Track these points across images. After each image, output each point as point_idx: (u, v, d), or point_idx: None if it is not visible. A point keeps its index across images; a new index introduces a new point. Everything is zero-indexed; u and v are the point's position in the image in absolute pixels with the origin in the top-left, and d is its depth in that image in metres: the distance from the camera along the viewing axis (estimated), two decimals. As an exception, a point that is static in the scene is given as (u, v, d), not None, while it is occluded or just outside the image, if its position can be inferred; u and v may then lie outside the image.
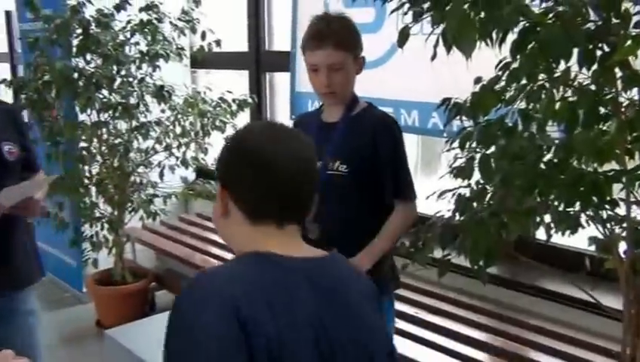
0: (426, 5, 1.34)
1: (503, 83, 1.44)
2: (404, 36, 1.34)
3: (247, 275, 1.01)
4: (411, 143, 3.17)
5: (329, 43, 1.74)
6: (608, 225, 1.49)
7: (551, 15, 1.23)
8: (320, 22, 1.79)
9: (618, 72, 1.33)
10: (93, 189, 3.51)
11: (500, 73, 1.44)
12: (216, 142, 3.73)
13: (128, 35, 3.40)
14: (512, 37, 1.31)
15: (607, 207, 1.42)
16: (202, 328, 0.95)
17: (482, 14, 1.14)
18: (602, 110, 1.35)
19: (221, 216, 1.10)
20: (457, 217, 1.57)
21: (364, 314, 1.11)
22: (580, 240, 1.64)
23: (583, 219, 1.49)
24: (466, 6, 1.10)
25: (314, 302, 1.03)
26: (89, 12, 3.32)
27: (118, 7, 3.36)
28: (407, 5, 1.40)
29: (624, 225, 1.47)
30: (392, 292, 1.94)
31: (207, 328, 0.94)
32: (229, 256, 3.54)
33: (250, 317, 0.95)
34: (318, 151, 1.79)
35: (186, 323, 0.96)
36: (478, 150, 1.53)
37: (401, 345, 2.43)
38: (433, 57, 1.35)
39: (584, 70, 1.32)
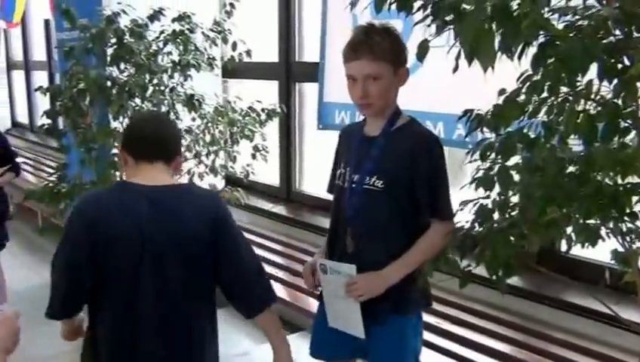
0: (448, 18, 1.36)
1: (524, 96, 1.46)
2: (423, 50, 1.36)
3: (103, 194, 1.91)
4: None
5: (366, 53, 1.73)
6: (628, 238, 1.49)
7: (569, 28, 1.24)
8: (360, 32, 1.77)
9: (640, 86, 1.34)
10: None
11: (520, 85, 1.46)
12: (244, 151, 3.80)
13: (161, 44, 3.49)
14: (533, 49, 1.34)
15: (626, 219, 1.42)
16: (66, 228, 1.73)
17: (498, 27, 1.16)
18: (622, 123, 1.36)
19: (125, 165, 1.81)
20: (477, 227, 1.58)
21: (188, 227, 1.69)
22: (604, 252, 1.64)
23: (603, 231, 1.49)
24: (483, 19, 1.13)
25: (147, 213, 1.66)
26: (124, 22, 3.42)
27: (152, 18, 3.46)
28: (430, 18, 1.42)
29: (644, 238, 1.47)
30: (421, 311, 1.93)
31: (67, 229, 1.72)
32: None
33: (93, 219, 1.66)
34: (359, 165, 1.84)
35: (64, 231, 1.74)
36: (498, 161, 1.54)
37: (424, 356, 2.44)
38: (455, 69, 1.37)
39: (607, 84, 1.33)
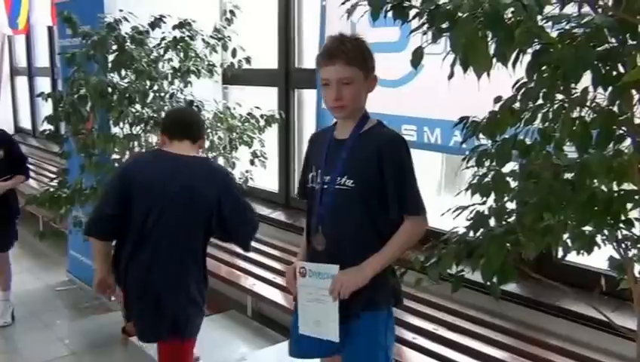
0: (444, 25, 1.37)
1: (519, 103, 1.47)
2: (417, 57, 1.37)
3: (140, 156, 2.92)
4: (435, 161, 3.20)
5: (340, 59, 1.84)
6: (623, 245, 1.49)
7: (563, 36, 1.25)
8: (334, 41, 1.89)
9: (635, 94, 1.35)
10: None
11: (516, 93, 1.47)
12: (243, 157, 3.81)
13: (162, 51, 3.51)
14: (528, 57, 1.35)
15: (622, 226, 1.43)
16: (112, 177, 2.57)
17: (492, 35, 1.17)
18: (617, 130, 1.36)
19: (162, 144, 2.47)
20: (472, 234, 1.59)
21: (200, 185, 2.30)
22: (600, 259, 1.64)
23: (598, 238, 1.50)
24: (476, 26, 1.14)
25: (168, 168, 2.34)
26: (125, 29, 3.44)
27: (153, 25, 3.48)
28: (426, 26, 1.44)
29: (639, 245, 1.47)
30: (392, 306, 1.98)
31: (113, 177, 2.55)
32: (254, 268, 3.61)
33: (128, 169, 2.49)
34: (330, 167, 1.92)
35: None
36: (493, 168, 1.55)
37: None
38: (450, 76, 1.38)
39: (603, 91, 1.34)
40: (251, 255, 3.79)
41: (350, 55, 1.84)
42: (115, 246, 2.44)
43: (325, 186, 1.92)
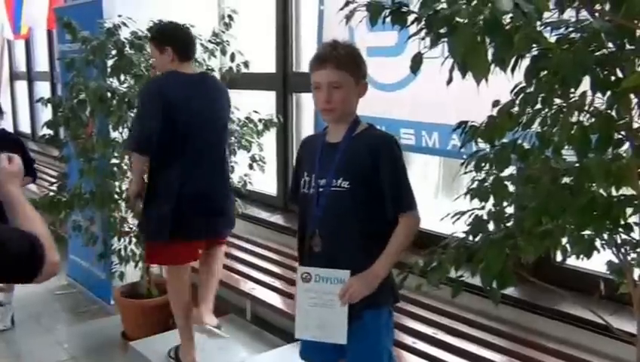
0: (442, 30, 1.38)
1: (517, 107, 1.47)
2: (417, 62, 1.38)
3: (161, 78, 2.91)
4: (433, 164, 3.21)
5: (331, 63, 1.91)
6: (623, 250, 1.49)
7: (562, 41, 1.25)
8: (326, 46, 1.97)
9: (634, 98, 1.35)
10: (123, 204, 3.61)
11: (514, 97, 1.47)
12: (242, 161, 3.81)
13: (161, 56, 3.51)
14: (526, 62, 1.35)
15: (621, 230, 1.43)
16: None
17: (490, 40, 1.17)
18: (616, 135, 1.36)
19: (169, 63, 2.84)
20: (471, 238, 1.59)
21: (220, 101, 2.88)
22: (600, 263, 1.64)
23: (598, 243, 1.50)
24: (475, 32, 1.14)
25: (195, 88, 2.81)
26: (124, 34, 3.44)
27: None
28: (424, 31, 1.44)
29: (639, 249, 1.47)
30: (391, 305, 2.05)
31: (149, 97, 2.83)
32: (252, 272, 3.61)
33: (164, 93, 2.74)
34: (324, 170, 1.95)
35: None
36: (492, 172, 1.55)
37: (420, 366, 2.45)
38: (449, 81, 1.38)
39: (602, 96, 1.34)
40: (250, 258, 3.79)
41: (341, 60, 1.91)
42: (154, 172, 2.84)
43: (321, 189, 1.95)
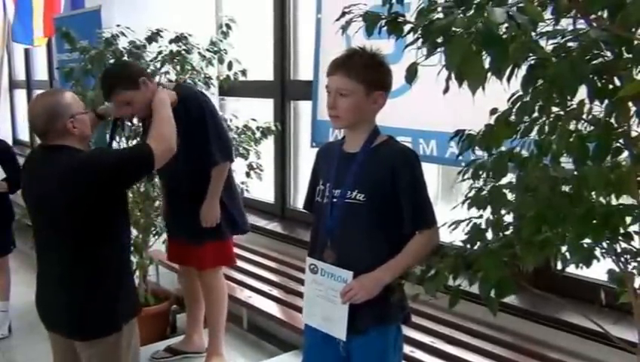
0: (438, 40, 1.37)
1: (515, 116, 1.47)
2: (412, 73, 1.37)
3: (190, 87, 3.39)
4: (432, 173, 3.20)
5: (341, 70, 1.87)
6: (623, 259, 1.48)
7: (558, 50, 1.25)
8: (345, 52, 1.92)
9: (632, 106, 1.34)
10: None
11: (511, 106, 1.47)
12: (239, 169, 3.80)
13: (159, 65, 3.52)
14: (523, 70, 1.35)
15: (621, 239, 1.42)
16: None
17: (486, 51, 1.17)
18: (614, 143, 1.36)
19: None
20: (470, 247, 1.58)
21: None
22: (600, 271, 1.63)
23: (597, 251, 1.49)
24: (470, 42, 1.13)
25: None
26: (122, 44, 3.44)
27: (150, 39, 3.50)
28: (420, 41, 1.43)
29: (639, 258, 1.46)
30: (399, 323, 1.98)
31: None
32: (250, 280, 3.59)
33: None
34: (340, 180, 1.91)
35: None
36: (490, 181, 1.54)
37: (419, 375, 2.43)
38: (445, 91, 1.38)
39: (600, 104, 1.33)
40: (247, 267, 3.78)
41: (352, 69, 1.86)
42: None
43: (335, 200, 1.90)
